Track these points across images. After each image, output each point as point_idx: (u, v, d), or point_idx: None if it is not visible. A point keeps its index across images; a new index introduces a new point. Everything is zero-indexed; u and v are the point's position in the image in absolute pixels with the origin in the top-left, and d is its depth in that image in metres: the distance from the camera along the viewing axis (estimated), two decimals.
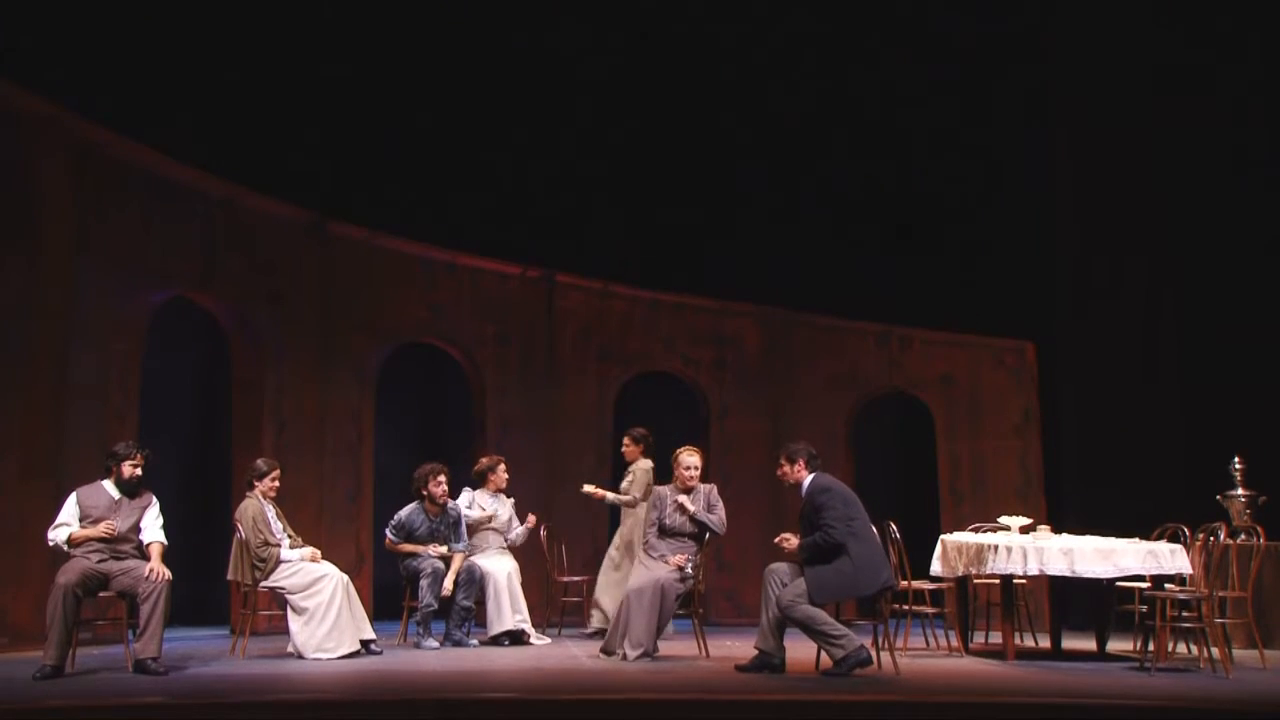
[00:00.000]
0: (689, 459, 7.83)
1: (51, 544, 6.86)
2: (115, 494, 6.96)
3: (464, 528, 8.64)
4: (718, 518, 7.77)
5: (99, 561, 6.81)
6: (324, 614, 7.54)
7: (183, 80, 9.75)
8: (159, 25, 9.57)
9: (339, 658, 7.45)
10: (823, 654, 7.04)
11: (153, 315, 9.25)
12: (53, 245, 8.43)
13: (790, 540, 7.07)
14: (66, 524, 6.86)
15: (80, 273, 8.56)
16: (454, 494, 8.75)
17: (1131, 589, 7.94)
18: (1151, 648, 7.39)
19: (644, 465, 9.30)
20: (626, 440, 9.49)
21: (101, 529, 6.87)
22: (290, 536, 7.91)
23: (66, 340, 8.46)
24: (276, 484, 7.90)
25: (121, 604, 6.99)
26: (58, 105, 8.45)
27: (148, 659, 6.67)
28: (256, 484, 7.84)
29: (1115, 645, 8.31)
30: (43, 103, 8.37)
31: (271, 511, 7.88)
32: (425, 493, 8.50)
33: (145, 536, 7.02)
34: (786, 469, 7.15)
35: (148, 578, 6.79)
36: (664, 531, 7.78)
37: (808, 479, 7.11)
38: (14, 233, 8.22)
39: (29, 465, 8.11)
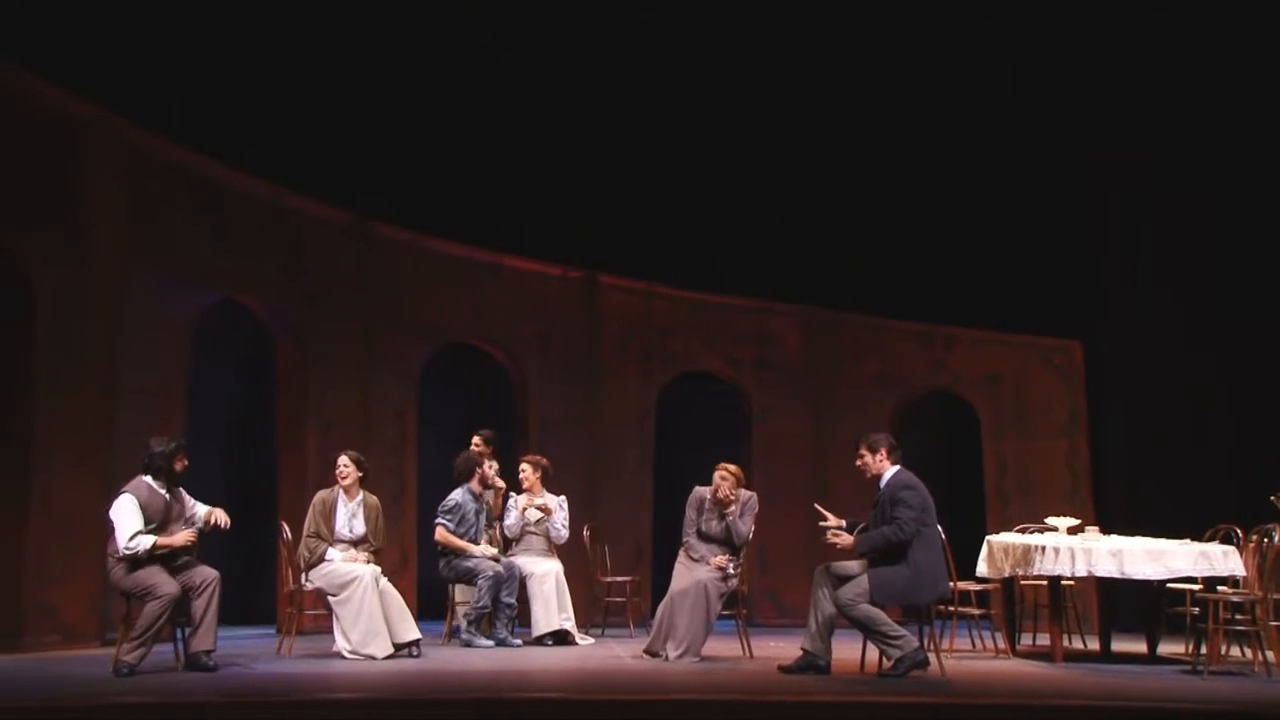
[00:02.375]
0: (719, 476, 7.72)
1: (129, 553, 6.63)
2: (164, 493, 6.93)
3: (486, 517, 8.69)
4: (744, 527, 7.69)
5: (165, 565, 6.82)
6: (357, 615, 7.52)
7: (230, 84, 9.83)
8: (207, 30, 9.66)
9: (380, 658, 7.44)
10: (871, 655, 6.97)
11: (200, 316, 9.33)
12: (103, 247, 8.53)
13: (843, 537, 6.96)
14: (142, 530, 6.69)
15: (129, 274, 8.65)
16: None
17: (1182, 591, 7.83)
18: (1204, 651, 7.27)
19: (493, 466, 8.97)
20: (479, 441, 8.92)
21: (183, 539, 6.80)
22: (369, 540, 7.83)
23: (116, 341, 8.55)
24: (349, 470, 7.81)
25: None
26: (108, 110, 8.55)
27: (203, 652, 6.71)
28: (335, 473, 7.88)
29: (1166, 648, 8.18)
30: (93, 107, 8.48)
31: (354, 509, 7.83)
32: (479, 472, 8.55)
33: (199, 512, 7.00)
34: (868, 459, 7.01)
35: (208, 521, 6.88)
36: (702, 536, 7.74)
37: (890, 471, 6.98)
38: (66, 235, 8.33)
39: (79, 465, 8.21)
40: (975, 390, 11.54)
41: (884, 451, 6.99)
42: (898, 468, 7.00)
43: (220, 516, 7.01)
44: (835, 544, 6.98)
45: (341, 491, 7.83)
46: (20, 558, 7.92)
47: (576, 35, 11.45)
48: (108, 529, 6.87)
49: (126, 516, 6.71)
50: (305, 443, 9.75)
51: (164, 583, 6.65)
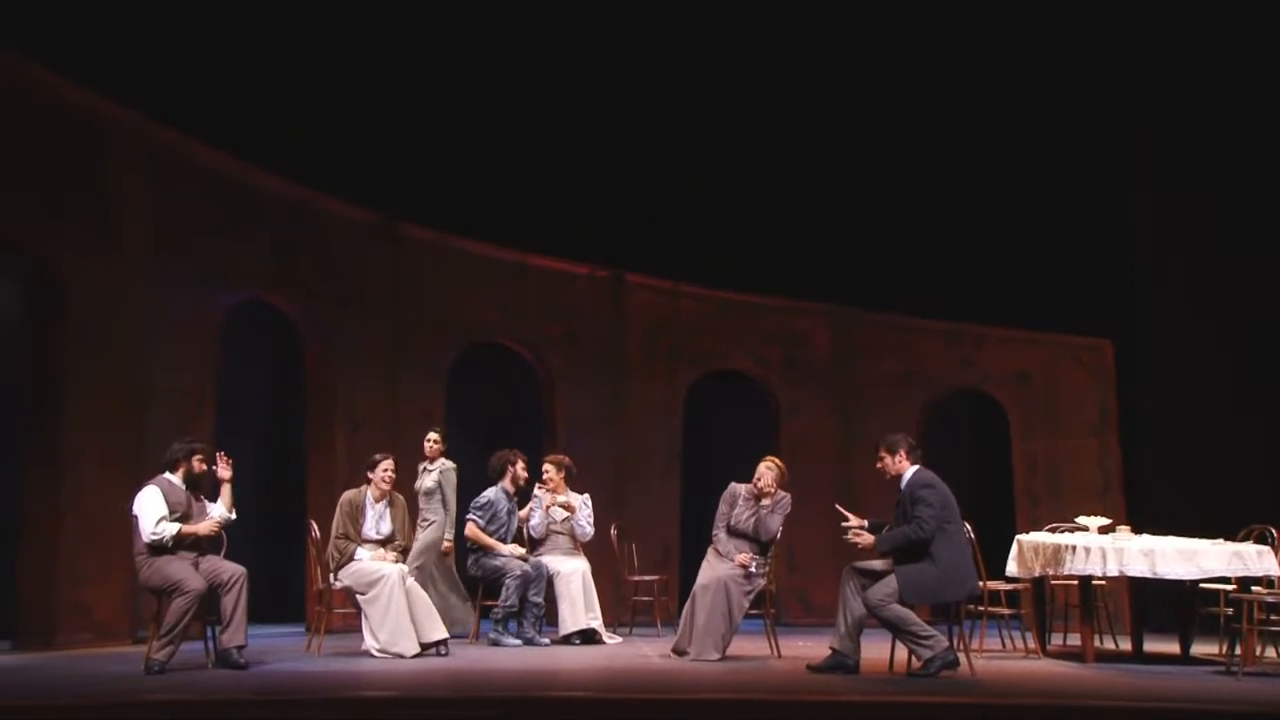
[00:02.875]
0: (764, 468, 7.72)
1: (155, 538, 6.72)
2: (183, 489, 6.98)
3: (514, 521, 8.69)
4: (772, 524, 7.67)
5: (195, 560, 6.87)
6: (385, 614, 7.52)
7: (256, 85, 9.88)
8: (234, 31, 9.70)
9: (408, 657, 7.46)
10: (900, 654, 6.94)
11: (228, 317, 9.39)
12: (131, 247, 8.59)
13: (864, 536, 6.96)
14: (166, 518, 6.79)
15: (158, 275, 8.71)
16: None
17: (1216, 591, 7.75)
18: (1238, 652, 7.19)
19: (449, 465, 8.90)
20: (438, 438, 8.88)
21: (207, 528, 6.90)
22: (397, 540, 7.87)
23: (145, 341, 8.61)
24: (388, 474, 7.84)
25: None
26: (136, 111, 8.62)
27: (234, 648, 6.76)
28: (369, 475, 7.89)
29: (1199, 649, 8.10)
30: (121, 109, 8.55)
31: (381, 511, 7.85)
32: (510, 470, 8.58)
33: (215, 513, 7.06)
34: (887, 460, 7.01)
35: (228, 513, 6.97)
36: (731, 532, 7.72)
37: (910, 471, 6.97)
38: (95, 235, 8.40)
39: (109, 465, 8.27)
40: (1004, 389, 11.49)
41: (903, 452, 6.99)
42: (917, 467, 6.99)
43: (223, 472, 7.10)
44: (857, 543, 6.97)
45: (370, 492, 7.85)
46: (53, 556, 8.00)
47: (603, 34, 11.44)
48: (132, 525, 6.92)
49: (150, 505, 6.81)
50: (333, 442, 9.79)
51: (190, 579, 6.69)
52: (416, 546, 8.54)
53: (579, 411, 11.05)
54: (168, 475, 6.95)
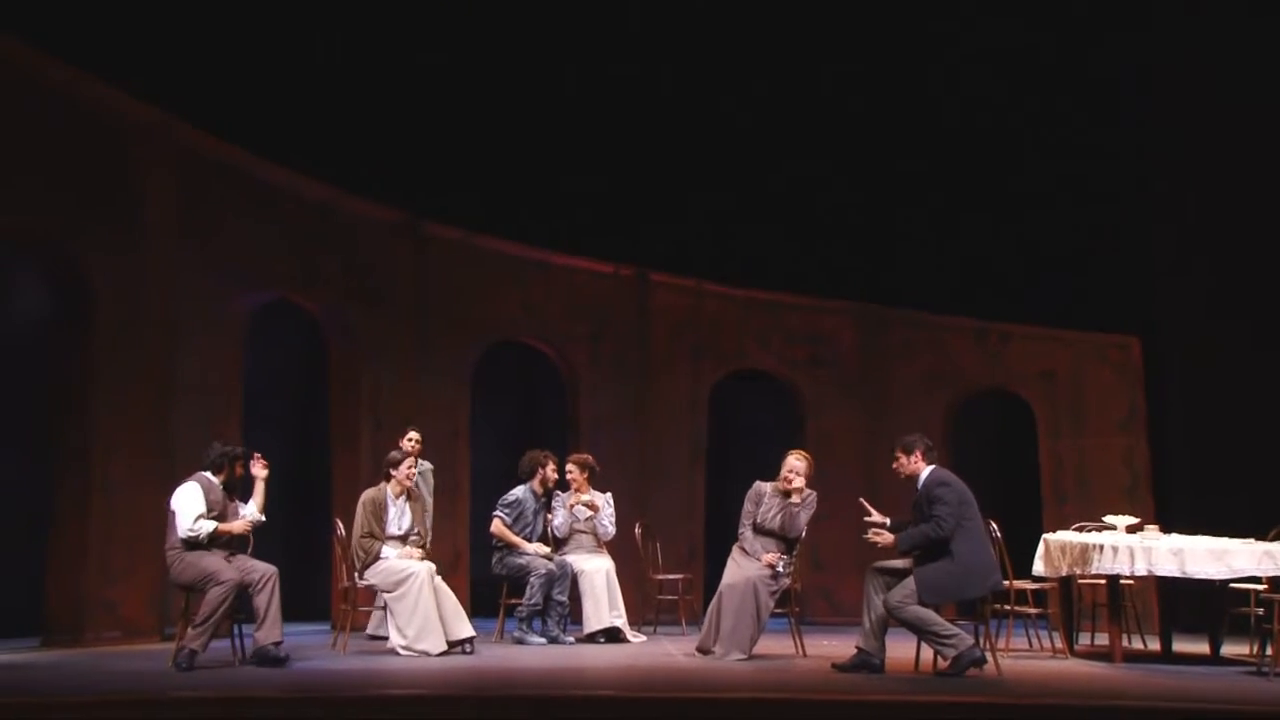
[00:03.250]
0: (794, 462, 7.72)
1: (191, 534, 6.81)
2: (222, 489, 7.08)
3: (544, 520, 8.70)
4: (800, 521, 7.65)
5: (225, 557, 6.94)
6: (413, 612, 7.54)
7: (280, 84, 9.91)
8: (259, 31, 9.75)
9: (434, 655, 7.48)
10: (926, 653, 6.91)
11: (255, 315, 9.43)
12: (159, 247, 8.65)
13: (884, 535, 6.95)
14: (204, 515, 6.88)
15: (185, 274, 8.76)
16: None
17: (1246, 591, 7.68)
18: (1269, 652, 7.12)
19: (427, 465, 8.88)
20: (419, 437, 8.74)
21: (241, 527, 7.01)
22: (419, 535, 7.92)
23: (172, 340, 8.67)
24: (412, 473, 7.90)
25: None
26: (164, 111, 8.67)
27: (271, 644, 6.82)
28: (392, 473, 7.91)
29: (1229, 649, 8.04)
30: (149, 109, 8.60)
31: (400, 507, 7.88)
32: (541, 472, 8.60)
33: (247, 514, 7.15)
34: (903, 460, 7.03)
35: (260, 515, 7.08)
36: (757, 529, 7.71)
37: (925, 471, 6.98)
38: (122, 236, 8.45)
39: (137, 463, 8.33)
40: (1030, 387, 11.43)
41: (919, 452, 7.01)
42: (933, 467, 7.00)
43: (258, 472, 7.26)
44: (877, 543, 6.96)
45: (390, 489, 7.89)
46: (82, 554, 8.06)
47: (625, 32, 11.43)
48: (167, 519, 6.97)
49: (190, 501, 6.90)
50: (358, 441, 9.83)
51: (225, 570, 6.81)
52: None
53: (603, 410, 11.05)
54: (208, 474, 7.03)
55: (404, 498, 7.92)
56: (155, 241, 8.63)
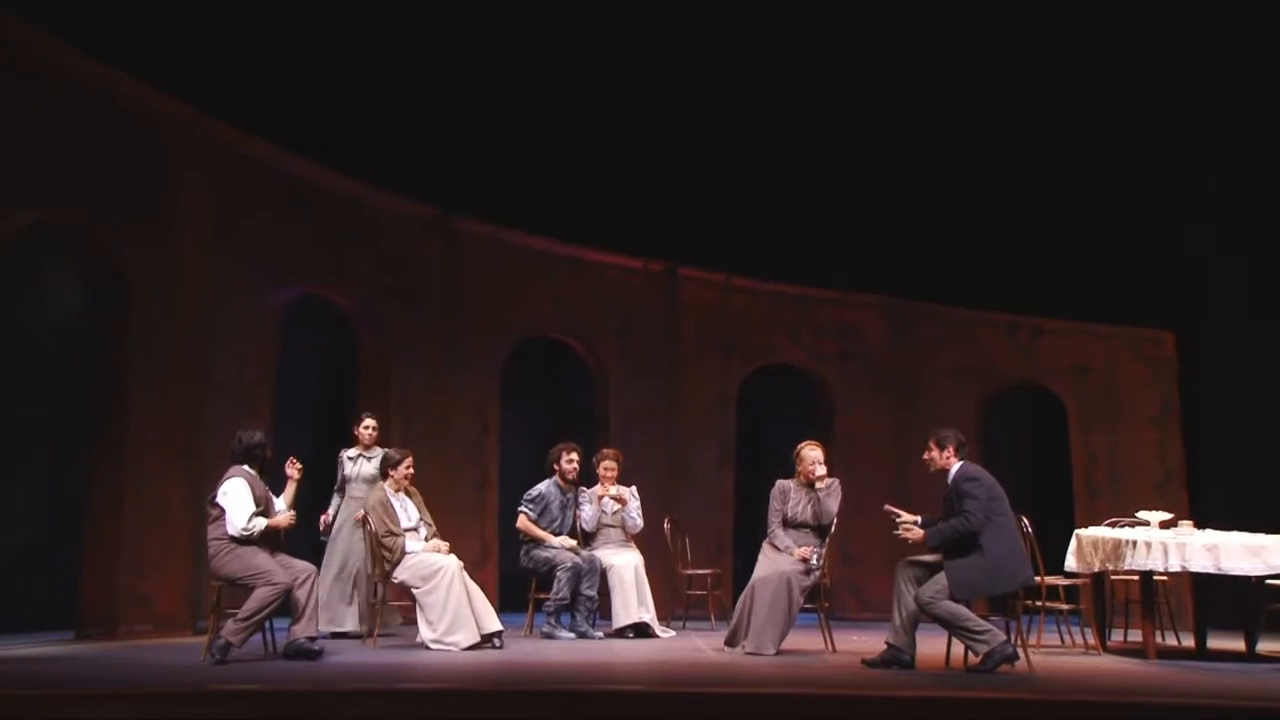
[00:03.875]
0: (812, 453, 7.74)
1: (246, 533, 6.87)
2: (261, 482, 7.14)
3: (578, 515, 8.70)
4: (832, 507, 7.67)
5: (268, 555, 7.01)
6: (443, 606, 7.58)
7: (310, 80, 9.96)
8: (290, 28, 9.80)
9: (463, 649, 7.51)
10: (956, 649, 6.88)
11: (285, 310, 9.49)
12: (192, 244, 8.72)
13: (914, 531, 6.93)
14: (255, 512, 6.95)
15: (218, 271, 8.83)
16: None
17: None
18: None
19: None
20: (375, 424, 8.72)
21: (286, 519, 7.12)
22: (428, 525, 8.00)
23: (205, 336, 8.74)
24: (410, 471, 7.99)
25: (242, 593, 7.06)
26: (196, 108, 8.73)
27: (307, 638, 6.92)
28: (391, 473, 7.97)
29: (1265, 646, 7.96)
30: (181, 105, 8.66)
31: (402, 501, 7.98)
32: (557, 468, 8.61)
33: (280, 506, 7.23)
34: (935, 454, 7.02)
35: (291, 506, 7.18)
36: (787, 524, 7.71)
37: (955, 465, 6.98)
38: (156, 232, 8.52)
39: (171, 458, 8.41)
40: (1062, 382, 11.37)
41: (951, 448, 6.99)
42: (963, 462, 6.99)
43: (291, 472, 7.36)
44: (907, 539, 6.95)
45: (390, 489, 7.94)
46: (116, 548, 8.13)
47: (657, 30, 11.42)
48: (208, 515, 7.01)
49: (242, 497, 6.95)
50: (388, 437, 9.83)
51: (277, 571, 6.89)
52: (354, 538, 8.37)
53: (632, 405, 11.06)
54: (246, 467, 7.08)
55: (403, 492, 7.99)
56: (188, 237, 8.70)
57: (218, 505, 6.97)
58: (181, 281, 8.62)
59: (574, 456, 8.67)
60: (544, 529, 8.54)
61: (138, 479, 8.23)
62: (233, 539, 6.91)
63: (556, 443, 8.87)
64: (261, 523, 6.95)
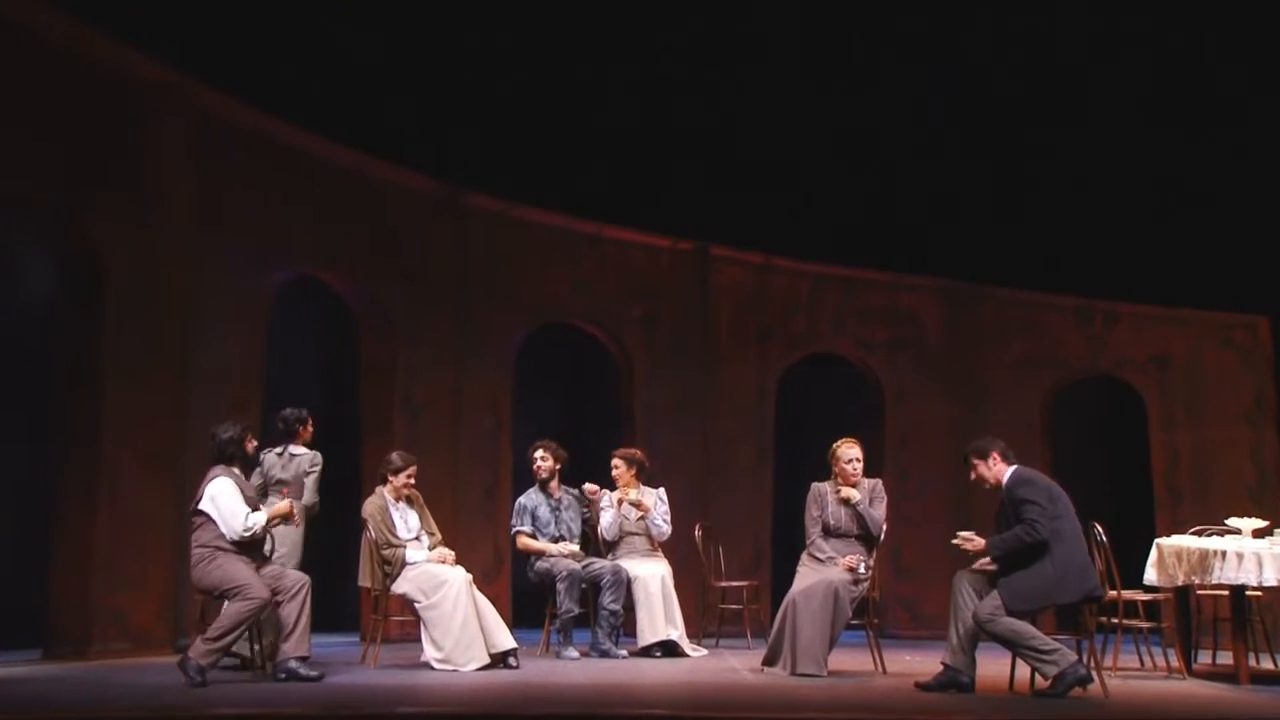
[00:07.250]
0: (850, 451, 7.63)
1: (248, 533, 6.80)
2: (244, 478, 7.08)
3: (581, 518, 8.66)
4: (878, 514, 7.54)
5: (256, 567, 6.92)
6: (448, 623, 7.50)
7: (307, 45, 9.92)
8: None
9: (475, 669, 7.42)
10: (1022, 671, 6.74)
11: (277, 294, 9.44)
12: (175, 219, 8.67)
13: (975, 541, 6.80)
14: (246, 510, 6.86)
15: (202, 250, 8.78)
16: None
17: None
18: None
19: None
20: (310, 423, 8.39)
21: (285, 506, 7.06)
22: (431, 534, 7.95)
23: (189, 321, 8.69)
24: (412, 480, 7.94)
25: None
26: (178, 71, 8.68)
27: (296, 658, 6.78)
28: (390, 479, 7.89)
29: None
30: (162, 69, 8.62)
31: (403, 509, 7.91)
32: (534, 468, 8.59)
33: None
34: (980, 468, 6.90)
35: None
36: (828, 532, 7.59)
37: (1007, 472, 6.86)
38: (133, 206, 8.47)
39: (150, 457, 8.36)
40: (1140, 373, 11.31)
41: (995, 455, 6.89)
42: (1015, 467, 6.88)
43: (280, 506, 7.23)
44: (967, 549, 6.83)
45: (389, 495, 7.87)
46: (88, 560, 8.08)
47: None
48: (191, 523, 6.92)
49: (232, 498, 6.86)
50: (392, 433, 9.81)
51: (256, 585, 6.74)
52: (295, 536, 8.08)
53: (659, 399, 10.98)
54: (230, 467, 6.99)
55: (404, 501, 7.93)
56: (169, 213, 8.65)
57: (203, 513, 6.87)
58: (162, 260, 8.57)
59: (539, 454, 8.57)
60: (543, 539, 8.46)
61: (112, 480, 8.18)
62: (233, 544, 6.81)
63: (573, 442, 8.80)
64: (262, 516, 6.87)
